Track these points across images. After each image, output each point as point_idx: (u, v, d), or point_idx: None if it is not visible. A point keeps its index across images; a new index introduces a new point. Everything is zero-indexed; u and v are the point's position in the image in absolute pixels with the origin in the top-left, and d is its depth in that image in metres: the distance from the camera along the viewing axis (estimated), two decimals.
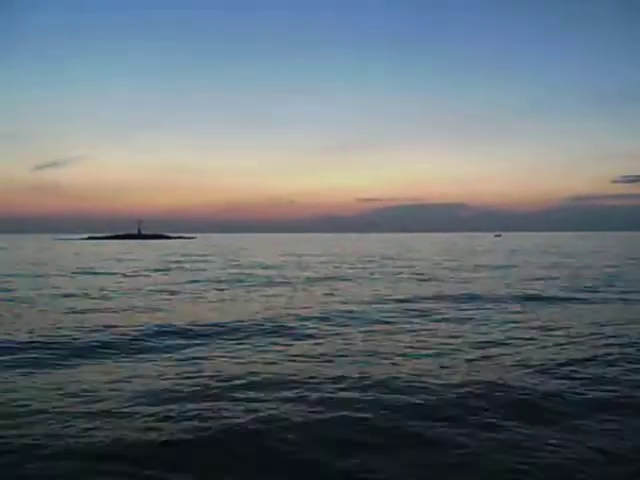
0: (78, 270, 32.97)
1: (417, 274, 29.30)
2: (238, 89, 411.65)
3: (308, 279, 26.67)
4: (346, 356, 10.03)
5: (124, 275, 29.69)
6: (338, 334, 12.34)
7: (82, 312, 15.66)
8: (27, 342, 11.20)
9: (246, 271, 32.12)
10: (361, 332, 12.54)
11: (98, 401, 7.34)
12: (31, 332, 12.25)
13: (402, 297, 18.90)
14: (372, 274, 29.84)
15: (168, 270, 33.67)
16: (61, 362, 9.72)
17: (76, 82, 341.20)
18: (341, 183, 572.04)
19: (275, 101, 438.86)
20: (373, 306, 16.81)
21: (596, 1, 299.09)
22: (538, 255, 51.38)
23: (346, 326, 13.40)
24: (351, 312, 15.52)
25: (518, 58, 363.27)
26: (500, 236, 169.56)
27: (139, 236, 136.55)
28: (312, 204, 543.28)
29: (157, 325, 13.21)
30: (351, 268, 35.00)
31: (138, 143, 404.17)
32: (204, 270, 33.24)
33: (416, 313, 15.37)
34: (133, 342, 11.43)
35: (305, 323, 13.76)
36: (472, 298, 18.61)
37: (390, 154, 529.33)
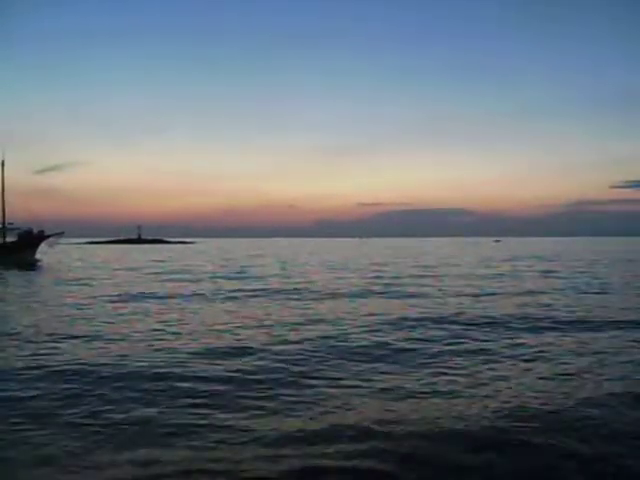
0: None
1: None
2: (238, 93, 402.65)
3: None
4: None
5: None
6: None
7: None
8: None
9: None
10: None
11: None
12: None
13: None
14: None
15: None
16: None
17: (76, 86, 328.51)
18: (341, 187, 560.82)
19: (275, 105, 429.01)
20: None
21: (595, 2, 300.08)
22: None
23: None
24: None
25: (517, 61, 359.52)
26: (499, 241, 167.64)
27: (139, 241, 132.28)
28: (311, 209, 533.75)
29: None
30: None
31: (138, 148, 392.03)
32: None
33: None
34: None
35: None
36: None
37: (391, 158, 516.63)
